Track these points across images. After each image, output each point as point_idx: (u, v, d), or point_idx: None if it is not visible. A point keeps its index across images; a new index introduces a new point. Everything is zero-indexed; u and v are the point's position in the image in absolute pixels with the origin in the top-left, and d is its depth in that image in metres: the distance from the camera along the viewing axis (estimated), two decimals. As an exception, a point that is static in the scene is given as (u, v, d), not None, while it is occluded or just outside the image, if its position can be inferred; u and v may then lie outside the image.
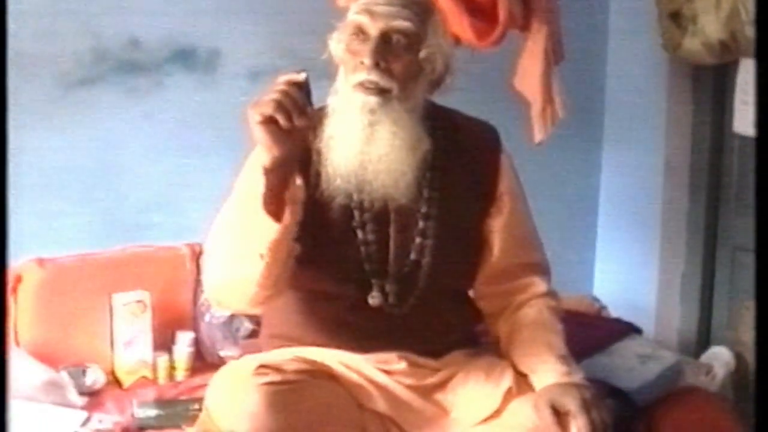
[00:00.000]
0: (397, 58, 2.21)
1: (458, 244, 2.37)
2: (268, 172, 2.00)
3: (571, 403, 2.13)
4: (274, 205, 2.02)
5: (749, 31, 3.42)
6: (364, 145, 2.21)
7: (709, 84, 4.01)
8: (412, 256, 2.32)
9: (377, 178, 2.22)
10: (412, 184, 2.26)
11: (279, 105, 1.97)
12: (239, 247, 2.11)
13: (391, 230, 2.31)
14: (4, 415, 1.20)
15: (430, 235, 2.32)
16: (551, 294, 2.45)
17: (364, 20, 2.22)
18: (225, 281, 2.20)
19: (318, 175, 2.26)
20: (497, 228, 2.41)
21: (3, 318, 1.27)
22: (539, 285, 2.44)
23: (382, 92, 2.19)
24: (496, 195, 2.41)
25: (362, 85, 2.20)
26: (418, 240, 2.32)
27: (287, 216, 2.03)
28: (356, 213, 2.28)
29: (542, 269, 2.49)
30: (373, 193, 2.24)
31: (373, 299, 2.29)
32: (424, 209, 2.32)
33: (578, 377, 2.24)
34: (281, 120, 1.97)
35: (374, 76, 2.18)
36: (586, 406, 2.12)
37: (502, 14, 3.02)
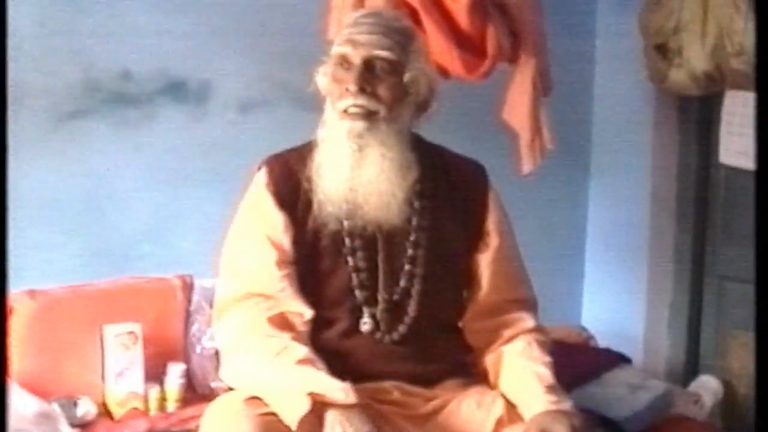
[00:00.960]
0: (382, 82, 2.28)
1: (447, 274, 2.41)
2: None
3: (561, 430, 2.14)
4: None
5: (734, 63, 3.46)
6: (353, 170, 2.27)
7: (695, 115, 4.04)
8: (402, 283, 2.35)
9: (368, 201, 2.28)
10: (403, 206, 2.31)
11: None
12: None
13: (380, 258, 2.35)
14: (3, 418, 1.21)
15: (420, 263, 2.36)
16: (539, 329, 2.46)
17: (348, 50, 2.29)
18: None
19: (308, 203, 2.31)
20: (485, 264, 2.44)
21: (3, 341, 1.28)
22: (527, 321, 2.45)
23: (368, 116, 2.26)
24: (483, 231, 2.44)
25: (348, 111, 2.26)
26: (407, 267, 2.36)
27: None
28: (347, 240, 2.32)
29: (530, 305, 2.50)
30: (364, 216, 2.29)
31: (365, 325, 2.32)
32: (413, 237, 2.36)
33: (567, 405, 2.25)
34: None
35: (361, 101, 2.25)
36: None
37: (490, 47, 3.05)
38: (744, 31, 3.39)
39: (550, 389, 2.28)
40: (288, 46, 3.35)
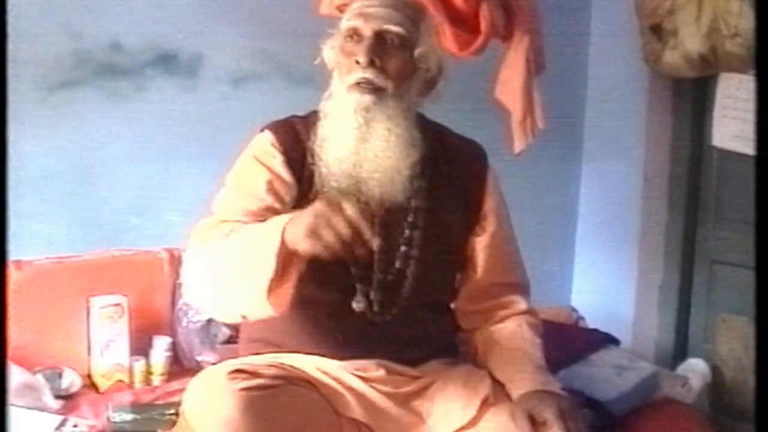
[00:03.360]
0: (392, 57, 2.25)
1: (443, 257, 2.39)
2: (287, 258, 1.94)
3: (548, 412, 2.13)
4: (277, 291, 1.98)
5: (729, 46, 3.45)
6: (358, 144, 2.23)
7: (689, 97, 4.03)
8: (397, 264, 2.34)
9: (373, 177, 2.25)
10: (407, 183, 2.29)
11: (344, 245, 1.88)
12: (236, 291, 2.05)
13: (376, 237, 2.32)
14: (3, 416, 1.21)
15: (416, 245, 2.34)
16: (531, 311, 2.47)
17: (359, 23, 2.26)
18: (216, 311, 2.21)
19: (312, 176, 2.28)
20: (481, 246, 2.43)
21: (3, 317, 1.26)
22: (519, 303, 2.46)
23: (377, 91, 2.23)
24: (481, 214, 2.43)
25: (358, 85, 2.23)
26: (403, 248, 2.34)
27: (284, 306, 2.02)
28: None
29: (523, 288, 2.51)
30: (368, 192, 2.26)
31: (358, 304, 2.30)
32: (410, 218, 2.34)
33: (555, 387, 2.25)
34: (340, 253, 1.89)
35: (370, 74, 2.22)
36: (563, 416, 2.13)
37: (484, 24, 3.03)
38: (739, 14, 3.38)
39: (539, 370, 2.28)
40: (281, 21, 3.34)
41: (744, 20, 3.37)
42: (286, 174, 2.27)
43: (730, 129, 3.80)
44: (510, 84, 3.18)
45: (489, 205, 2.44)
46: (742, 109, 3.72)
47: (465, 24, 3.03)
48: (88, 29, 3.16)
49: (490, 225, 2.43)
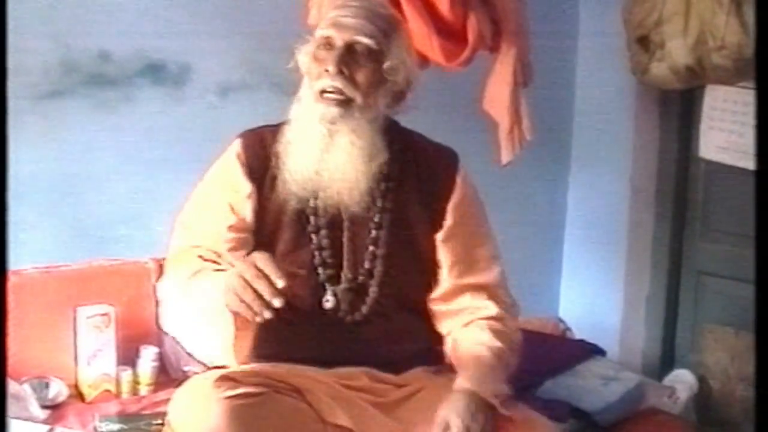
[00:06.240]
0: (361, 67, 2.28)
1: (410, 257, 2.41)
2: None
3: (452, 419, 2.15)
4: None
5: (716, 58, 3.46)
6: (322, 154, 2.29)
7: (676, 109, 4.05)
8: (366, 264, 2.36)
9: (332, 185, 2.30)
10: (366, 192, 2.32)
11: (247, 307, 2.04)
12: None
13: (344, 238, 2.36)
14: (3, 418, 1.21)
15: (382, 244, 2.37)
16: (499, 317, 2.41)
17: (331, 32, 2.30)
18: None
19: (274, 178, 2.33)
20: (447, 244, 2.42)
21: (3, 320, 1.26)
22: (489, 308, 2.41)
23: (343, 103, 2.27)
24: (445, 212, 2.43)
25: (325, 93, 2.27)
26: (370, 248, 2.37)
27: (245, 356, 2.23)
28: (311, 218, 2.34)
29: (494, 292, 2.45)
30: (327, 199, 2.32)
31: (327, 303, 2.33)
32: (376, 218, 2.37)
33: (490, 388, 2.22)
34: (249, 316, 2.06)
35: (338, 83, 2.26)
36: (461, 415, 2.15)
37: (471, 35, 3.05)
38: (726, 26, 3.40)
39: (481, 370, 2.27)
40: (268, 30, 3.34)
41: (731, 33, 3.38)
42: (245, 184, 2.35)
43: (717, 140, 3.82)
44: (497, 95, 3.20)
45: (453, 202, 2.43)
46: (729, 120, 3.74)
47: (452, 35, 3.05)
48: (77, 39, 3.16)
49: (456, 223, 2.43)
